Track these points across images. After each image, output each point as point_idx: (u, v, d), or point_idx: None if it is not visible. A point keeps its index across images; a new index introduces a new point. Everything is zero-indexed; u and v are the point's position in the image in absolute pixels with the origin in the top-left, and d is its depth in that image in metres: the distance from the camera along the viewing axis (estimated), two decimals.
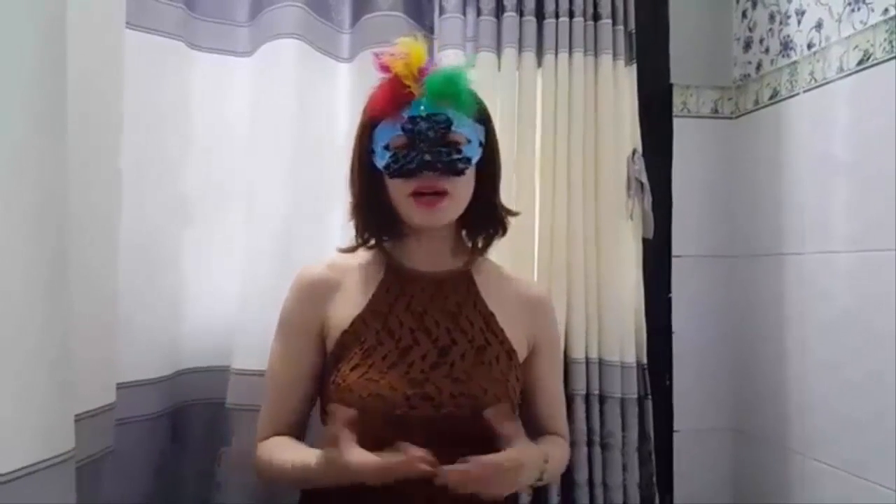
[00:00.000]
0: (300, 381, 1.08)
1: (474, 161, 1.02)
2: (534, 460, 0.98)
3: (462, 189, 1.03)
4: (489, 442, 1.00)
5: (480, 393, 0.99)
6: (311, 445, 1.07)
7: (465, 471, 0.88)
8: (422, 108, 0.98)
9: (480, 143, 1.03)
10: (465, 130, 1.01)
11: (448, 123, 0.98)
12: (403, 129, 0.98)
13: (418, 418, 0.96)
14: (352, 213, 1.09)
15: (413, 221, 1.03)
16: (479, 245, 1.13)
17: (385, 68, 1.00)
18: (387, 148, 1.00)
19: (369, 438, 0.96)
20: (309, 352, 1.08)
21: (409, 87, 0.98)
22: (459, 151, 0.99)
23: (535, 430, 1.16)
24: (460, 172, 1.00)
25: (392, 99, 0.99)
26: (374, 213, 1.06)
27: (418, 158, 0.97)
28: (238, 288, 1.38)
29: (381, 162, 1.01)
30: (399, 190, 1.01)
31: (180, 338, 1.38)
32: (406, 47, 0.99)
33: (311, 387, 1.09)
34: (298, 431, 1.09)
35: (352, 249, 1.11)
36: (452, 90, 0.99)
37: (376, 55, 1.02)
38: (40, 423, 0.72)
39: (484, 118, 1.06)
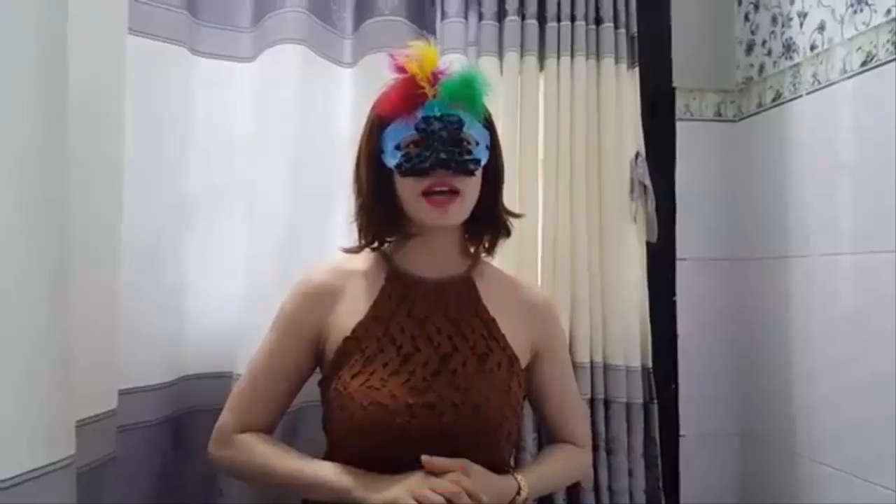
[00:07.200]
0: (278, 378, 1.07)
1: (483, 163, 1.03)
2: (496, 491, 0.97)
3: (471, 190, 1.04)
4: (489, 451, 1.00)
5: (482, 401, 0.99)
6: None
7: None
8: (436, 108, 0.99)
9: (487, 146, 1.04)
10: (475, 133, 1.02)
11: (460, 124, 1.00)
12: (417, 128, 0.99)
13: (419, 428, 0.95)
14: (357, 214, 1.09)
15: (423, 220, 1.03)
16: (485, 247, 1.13)
17: (401, 69, 1.01)
18: (398, 147, 1.01)
19: (369, 448, 0.96)
20: (296, 353, 1.07)
21: (422, 87, 0.99)
22: (470, 153, 1.01)
23: (550, 436, 1.15)
24: (471, 173, 1.01)
25: (406, 98, 1.00)
26: (381, 213, 1.06)
27: (433, 157, 0.98)
28: (240, 294, 1.38)
29: (392, 161, 1.01)
30: (410, 189, 1.01)
31: (182, 344, 1.38)
32: (419, 50, 1.01)
33: (286, 390, 1.08)
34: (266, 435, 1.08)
35: (356, 250, 1.11)
36: (468, 93, 1.01)
37: (392, 56, 1.03)
38: (40, 429, 0.71)
39: (489, 123, 1.07)
